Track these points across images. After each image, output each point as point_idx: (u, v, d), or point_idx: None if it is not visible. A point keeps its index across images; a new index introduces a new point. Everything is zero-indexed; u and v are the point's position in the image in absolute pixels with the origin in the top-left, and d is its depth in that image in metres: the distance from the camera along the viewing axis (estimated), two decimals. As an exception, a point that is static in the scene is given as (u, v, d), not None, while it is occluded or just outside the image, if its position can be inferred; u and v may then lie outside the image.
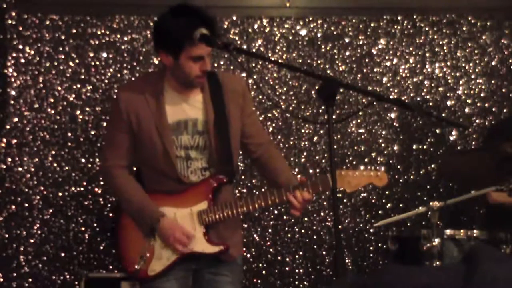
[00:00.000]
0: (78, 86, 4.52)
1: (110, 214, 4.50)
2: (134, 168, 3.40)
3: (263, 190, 3.32)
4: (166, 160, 3.23)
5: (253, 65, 4.62)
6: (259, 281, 4.59)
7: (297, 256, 4.63)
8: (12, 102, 4.49)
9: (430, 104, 4.73)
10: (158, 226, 3.20)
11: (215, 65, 4.52)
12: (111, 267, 4.49)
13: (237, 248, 3.38)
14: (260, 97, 4.57)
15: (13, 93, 4.49)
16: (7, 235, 4.45)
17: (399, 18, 4.71)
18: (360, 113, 4.67)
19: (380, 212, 4.67)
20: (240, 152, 3.46)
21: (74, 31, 4.52)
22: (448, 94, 4.75)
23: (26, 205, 4.47)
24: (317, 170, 4.63)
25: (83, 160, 4.51)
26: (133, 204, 3.26)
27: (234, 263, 3.37)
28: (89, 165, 4.51)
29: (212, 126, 3.24)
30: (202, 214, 3.24)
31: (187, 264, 3.29)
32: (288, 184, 3.24)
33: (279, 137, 4.61)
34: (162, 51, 3.18)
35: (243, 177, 4.52)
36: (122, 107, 3.24)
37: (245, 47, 4.56)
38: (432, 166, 4.71)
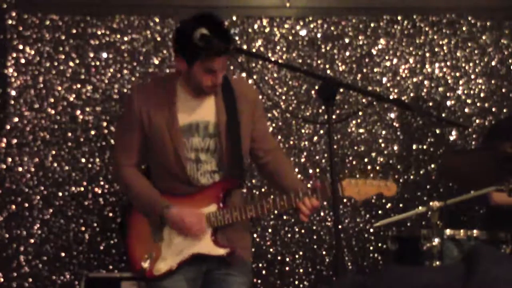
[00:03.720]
0: (78, 86, 4.52)
1: (110, 214, 4.50)
2: (143, 167, 3.42)
3: (272, 195, 3.33)
4: (177, 162, 3.24)
5: (253, 65, 4.62)
6: (259, 281, 4.59)
7: (297, 256, 4.63)
8: (12, 102, 4.49)
9: (430, 104, 4.73)
10: (167, 214, 3.21)
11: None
12: (111, 267, 4.49)
13: (245, 252, 3.38)
14: (260, 97, 4.56)
15: (13, 93, 4.49)
16: (7, 235, 4.45)
17: (399, 18, 4.71)
18: (360, 113, 4.66)
19: (380, 212, 4.67)
20: None
21: (74, 31, 4.52)
22: (448, 94, 4.75)
23: (26, 205, 4.47)
24: (317, 170, 4.63)
25: (83, 160, 4.51)
26: (143, 198, 3.28)
27: (243, 265, 3.37)
28: (89, 165, 4.51)
29: (224, 129, 3.25)
30: (210, 217, 3.25)
31: (197, 265, 3.30)
32: (293, 187, 3.25)
33: (279, 137, 4.61)
34: (178, 55, 3.19)
35: (243, 177, 4.51)
36: (135, 106, 3.26)
37: (245, 47, 4.56)
38: (432, 166, 4.71)
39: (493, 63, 4.78)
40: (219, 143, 3.26)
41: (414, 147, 4.73)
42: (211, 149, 3.27)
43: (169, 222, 3.24)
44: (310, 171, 4.63)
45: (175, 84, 3.28)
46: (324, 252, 4.64)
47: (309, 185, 3.34)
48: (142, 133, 3.27)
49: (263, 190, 4.55)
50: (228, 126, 3.26)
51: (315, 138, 4.66)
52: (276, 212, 3.35)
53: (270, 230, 4.62)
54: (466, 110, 4.76)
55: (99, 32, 4.53)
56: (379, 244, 4.65)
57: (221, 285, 3.32)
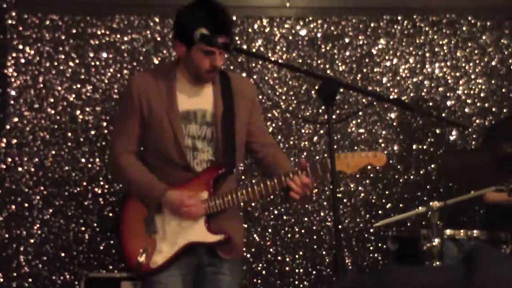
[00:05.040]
0: (78, 86, 4.52)
1: (110, 214, 4.50)
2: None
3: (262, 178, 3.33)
4: (176, 147, 3.25)
5: (253, 65, 4.62)
6: (259, 281, 4.59)
7: (297, 256, 4.63)
8: (12, 102, 4.49)
9: (430, 104, 4.73)
10: (165, 199, 3.22)
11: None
12: (111, 267, 4.49)
13: (238, 248, 3.39)
14: (260, 97, 4.56)
15: (13, 93, 4.49)
16: (7, 235, 4.45)
17: (399, 18, 4.71)
18: (360, 113, 4.66)
19: (380, 212, 4.67)
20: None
21: (74, 31, 4.52)
22: (448, 94, 4.75)
23: (26, 205, 4.47)
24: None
25: (83, 160, 4.51)
26: (141, 184, 3.28)
27: (234, 261, 3.38)
28: (89, 165, 4.51)
29: (220, 119, 3.28)
30: (203, 204, 3.25)
31: (189, 259, 3.30)
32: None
33: (279, 137, 4.61)
34: (177, 40, 3.24)
35: (243, 177, 4.52)
36: (134, 93, 3.28)
37: (245, 47, 4.56)
38: (432, 166, 4.71)
39: (493, 63, 4.78)
40: (215, 132, 3.29)
41: (414, 147, 4.73)
42: (207, 137, 3.30)
43: (168, 205, 3.24)
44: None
45: (174, 70, 3.32)
46: (324, 252, 4.64)
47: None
48: (142, 120, 3.29)
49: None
50: (224, 116, 3.29)
51: (315, 138, 4.66)
52: (268, 194, 3.34)
53: (270, 230, 4.62)
54: (466, 110, 4.76)
55: (99, 32, 4.53)
56: (379, 244, 4.65)
57: (212, 283, 3.33)
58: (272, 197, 4.56)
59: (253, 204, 4.55)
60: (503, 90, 4.78)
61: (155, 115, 3.26)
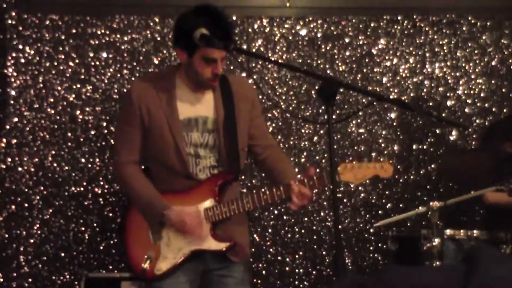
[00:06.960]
0: (78, 86, 4.52)
1: (110, 214, 4.50)
2: (142, 167, 3.41)
3: (268, 186, 3.32)
4: (177, 156, 3.25)
5: (253, 65, 4.62)
6: (259, 281, 4.59)
7: (297, 256, 4.63)
8: (12, 102, 4.49)
9: (430, 104, 4.73)
10: (166, 217, 3.22)
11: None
12: (111, 267, 4.49)
13: (244, 249, 3.39)
14: (260, 97, 4.56)
15: (13, 93, 4.49)
16: (7, 235, 4.45)
17: (399, 18, 4.71)
18: (360, 113, 4.66)
19: (380, 212, 4.67)
20: None
21: (74, 31, 4.52)
22: (448, 94, 4.75)
23: (26, 205, 4.47)
24: (317, 170, 4.62)
25: (83, 160, 4.51)
26: (143, 199, 3.28)
27: (242, 264, 3.37)
28: (89, 165, 4.51)
29: (222, 125, 3.27)
30: (208, 211, 3.26)
31: (195, 265, 3.30)
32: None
33: (279, 137, 4.61)
34: (178, 47, 3.22)
35: (243, 177, 4.51)
36: (134, 101, 3.26)
37: (245, 47, 4.56)
38: (432, 166, 4.71)
39: (493, 63, 4.78)
40: (217, 139, 3.28)
41: (414, 147, 4.73)
42: (210, 145, 3.29)
43: (169, 223, 3.24)
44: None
45: (174, 77, 3.30)
46: (324, 252, 4.64)
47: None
48: (143, 128, 3.27)
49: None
50: (226, 122, 3.28)
51: (315, 138, 4.66)
52: (274, 202, 3.34)
53: (270, 230, 4.62)
54: (466, 110, 4.76)
55: (99, 32, 4.53)
56: (379, 244, 4.65)
57: (219, 287, 3.33)
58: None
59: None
60: (503, 90, 4.78)
61: (155, 124, 3.25)
